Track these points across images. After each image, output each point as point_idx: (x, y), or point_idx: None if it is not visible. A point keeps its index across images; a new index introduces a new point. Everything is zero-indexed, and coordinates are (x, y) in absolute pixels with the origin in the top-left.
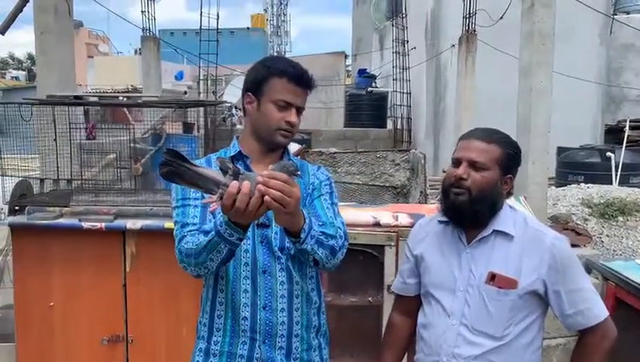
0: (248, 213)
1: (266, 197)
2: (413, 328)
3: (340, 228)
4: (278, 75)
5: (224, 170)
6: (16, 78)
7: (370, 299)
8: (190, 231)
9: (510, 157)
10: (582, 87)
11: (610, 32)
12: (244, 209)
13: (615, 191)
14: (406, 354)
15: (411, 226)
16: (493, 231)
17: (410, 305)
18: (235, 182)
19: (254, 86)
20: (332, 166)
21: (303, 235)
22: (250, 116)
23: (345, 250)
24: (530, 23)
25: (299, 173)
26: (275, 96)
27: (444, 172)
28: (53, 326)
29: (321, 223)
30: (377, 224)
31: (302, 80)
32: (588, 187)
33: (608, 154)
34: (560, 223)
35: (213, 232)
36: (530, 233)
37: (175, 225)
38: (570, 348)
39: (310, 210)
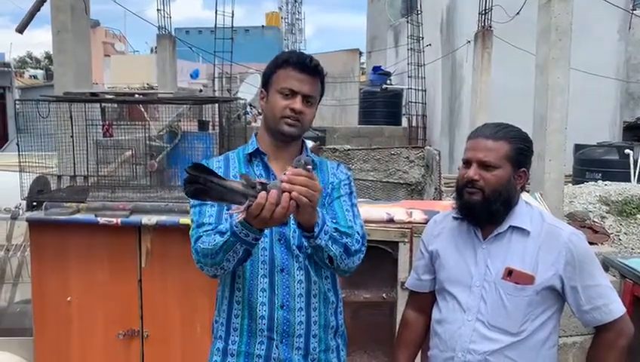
0: (273, 221)
1: (294, 193)
2: (427, 325)
3: (357, 232)
4: (283, 66)
5: (251, 186)
6: (35, 76)
7: (384, 295)
8: (206, 231)
9: (520, 151)
10: (600, 84)
11: (629, 27)
12: (270, 217)
13: (633, 188)
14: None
15: (425, 223)
16: (510, 226)
17: (425, 301)
18: (263, 192)
19: (265, 81)
20: (346, 162)
21: (316, 229)
22: (262, 111)
23: (362, 255)
24: (547, 19)
25: (309, 166)
26: (279, 85)
27: (459, 169)
28: (70, 321)
29: (335, 221)
30: (391, 220)
31: (305, 66)
32: (606, 184)
33: (627, 151)
34: (577, 221)
35: (229, 232)
36: (546, 229)
37: (191, 224)
38: (587, 346)
39: (329, 210)
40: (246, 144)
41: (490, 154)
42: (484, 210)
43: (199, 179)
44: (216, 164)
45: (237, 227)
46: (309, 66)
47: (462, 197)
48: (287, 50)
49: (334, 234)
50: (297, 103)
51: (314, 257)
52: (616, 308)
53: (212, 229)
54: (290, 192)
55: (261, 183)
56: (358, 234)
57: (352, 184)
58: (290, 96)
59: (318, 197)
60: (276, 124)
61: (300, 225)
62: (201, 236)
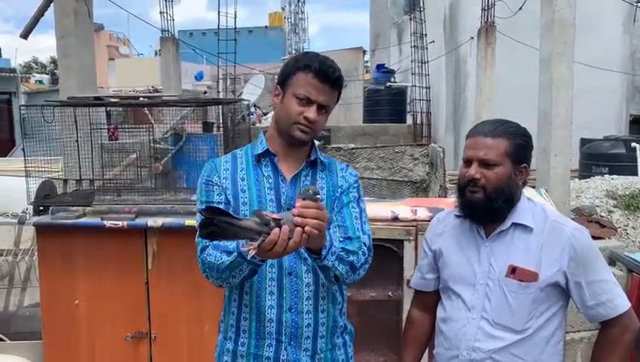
0: (285, 254)
1: (307, 228)
2: (432, 323)
3: (364, 244)
4: (304, 70)
5: (265, 223)
6: (40, 81)
7: (389, 293)
8: None
9: (520, 147)
10: (605, 77)
11: (634, 20)
12: (282, 251)
13: None
14: (427, 349)
15: (430, 220)
16: (512, 224)
17: (430, 300)
18: (276, 229)
19: (282, 79)
20: (350, 161)
21: (324, 252)
22: (275, 109)
23: (367, 266)
24: (550, 13)
25: (319, 196)
26: (297, 90)
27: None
28: (78, 324)
29: (343, 238)
30: (396, 218)
31: (326, 76)
32: (612, 178)
33: (633, 144)
34: (584, 215)
35: (235, 253)
36: (549, 224)
37: (197, 230)
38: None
39: (338, 218)
40: (254, 142)
41: (490, 151)
42: (487, 208)
43: (214, 221)
44: (224, 164)
45: (243, 249)
46: (329, 77)
47: (464, 195)
48: (290, 49)
49: (341, 253)
50: (312, 113)
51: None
52: (621, 303)
53: None
54: (302, 226)
55: (275, 220)
56: (365, 245)
57: (360, 187)
58: (305, 102)
59: (325, 225)
60: (288, 128)
61: (308, 248)
62: (207, 246)
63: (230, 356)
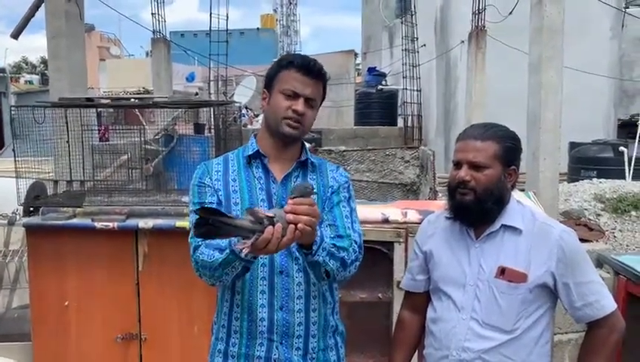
0: (278, 250)
1: (300, 225)
2: (422, 324)
3: (355, 241)
4: (286, 67)
5: (259, 221)
6: (30, 82)
7: (380, 295)
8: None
9: (509, 150)
10: (594, 82)
11: (623, 25)
12: (276, 249)
13: (628, 185)
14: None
15: (420, 222)
16: (502, 225)
17: (420, 301)
18: (270, 227)
19: (268, 82)
20: (341, 164)
21: (314, 247)
22: (264, 111)
23: (358, 263)
24: (540, 18)
25: (314, 193)
26: (282, 87)
27: None
28: (68, 325)
29: (334, 235)
30: (386, 220)
31: (309, 69)
32: (600, 182)
33: (621, 148)
34: (572, 219)
35: (227, 250)
36: (538, 226)
37: (190, 231)
38: None
39: (329, 217)
40: (246, 145)
41: (480, 154)
42: (477, 210)
43: (208, 220)
44: (215, 166)
45: (235, 246)
46: (312, 69)
47: (454, 198)
48: (282, 51)
49: (332, 249)
50: (299, 105)
51: (310, 273)
52: (607, 303)
53: None
54: (295, 224)
55: (268, 218)
56: (356, 243)
57: (351, 187)
58: (292, 97)
59: (317, 221)
60: (277, 125)
61: (300, 244)
62: (200, 245)
63: (221, 357)
